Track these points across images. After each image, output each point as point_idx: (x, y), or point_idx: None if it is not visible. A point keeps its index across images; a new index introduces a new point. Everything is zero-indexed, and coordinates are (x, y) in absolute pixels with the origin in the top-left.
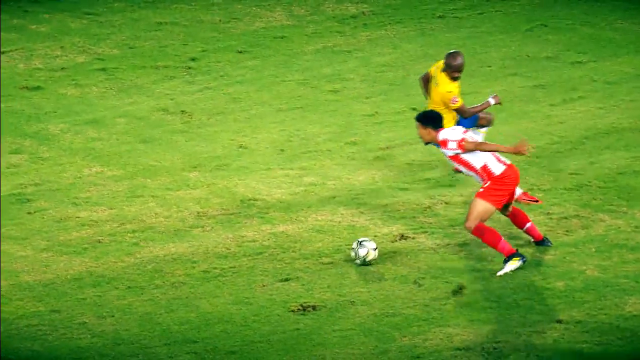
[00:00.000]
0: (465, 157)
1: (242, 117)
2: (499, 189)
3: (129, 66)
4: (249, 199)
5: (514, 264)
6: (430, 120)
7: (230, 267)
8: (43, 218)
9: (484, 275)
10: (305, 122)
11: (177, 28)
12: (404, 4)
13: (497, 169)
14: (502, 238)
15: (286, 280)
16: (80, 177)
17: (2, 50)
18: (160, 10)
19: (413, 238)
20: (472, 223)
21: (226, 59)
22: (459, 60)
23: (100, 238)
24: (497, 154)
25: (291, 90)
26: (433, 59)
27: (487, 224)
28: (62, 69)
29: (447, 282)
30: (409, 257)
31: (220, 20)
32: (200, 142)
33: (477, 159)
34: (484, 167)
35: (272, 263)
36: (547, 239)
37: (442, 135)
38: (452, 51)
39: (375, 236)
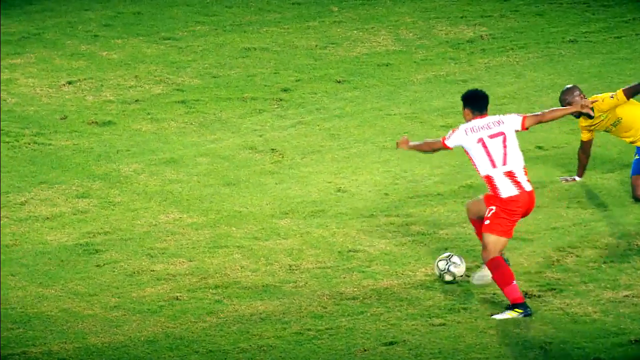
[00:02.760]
0: (474, 154)
1: (340, 156)
2: (504, 218)
3: (212, 98)
4: (348, 251)
5: (513, 314)
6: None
7: (327, 329)
8: (113, 271)
9: (622, 341)
10: (413, 162)
11: (267, 54)
12: (529, 27)
13: (506, 190)
14: (514, 282)
15: (391, 344)
16: (155, 225)
17: (69, 80)
18: (248, 35)
19: (538, 297)
20: (489, 254)
21: (323, 90)
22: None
23: (178, 294)
24: (519, 173)
25: (397, 125)
26: (561, 89)
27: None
28: (136, 101)
29: (579, 348)
30: (533, 318)
31: (316, 46)
32: (292, 184)
33: (482, 167)
34: (489, 180)
35: (374, 324)
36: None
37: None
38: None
39: (495, 294)
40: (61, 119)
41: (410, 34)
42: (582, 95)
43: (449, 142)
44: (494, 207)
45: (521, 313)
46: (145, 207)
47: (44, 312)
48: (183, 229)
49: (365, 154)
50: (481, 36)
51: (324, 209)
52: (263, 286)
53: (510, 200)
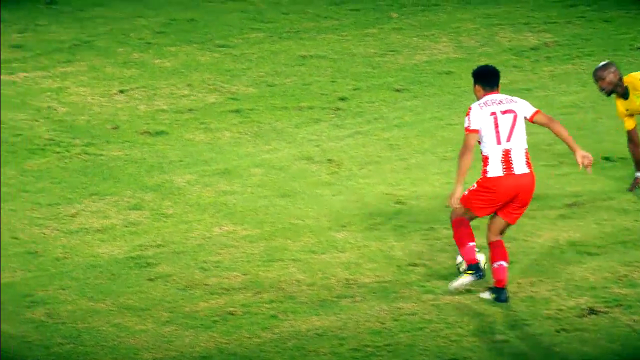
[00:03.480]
0: (484, 129)
1: (399, 167)
2: (482, 195)
3: (268, 107)
4: (407, 264)
5: (466, 276)
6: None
7: (385, 345)
8: (166, 285)
9: None
10: (475, 173)
11: (324, 62)
12: (596, 34)
13: (493, 170)
14: (473, 244)
15: None
16: (209, 238)
17: (121, 89)
18: (304, 42)
19: (606, 313)
20: (452, 215)
21: (381, 99)
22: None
23: (232, 309)
24: (517, 153)
25: (458, 135)
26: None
27: None
28: (189, 110)
29: None
30: (600, 335)
31: (375, 53)
32: (349, 196)
33: (486, 143)
34: (485, 159)
35: (434, 340)
36: (503, 292)
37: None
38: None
39: (559, 309)
40: (113, 128)
41: (472, 41)
42: (617, 73)
43: (473, 126)
44: (475, 184)
45: (473, 274)
46: (198, 219)
47: (94, 327)
48: (237, 241)
49: (425, 165)
50: (546, 43)
51: (382, 222)
52: (319, 301)
53: (492, 179)
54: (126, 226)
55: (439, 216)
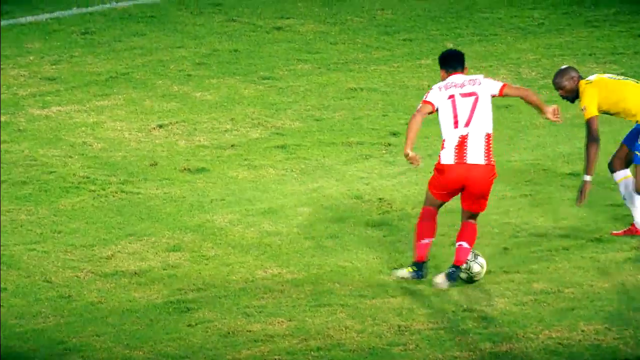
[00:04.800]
0: (441, 113)
1: (455, 207)
2: (436, 180)
3: (315, 143)
4: (464, 310)
5: (408, 271)
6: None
7: None
8: (207, 332)
9: None
10: (535, 214)
11: (374, 95)
12: None
13: (445, 157)
14: (428, 240)
15: None
16: (252, 281)
17: (159, 123)
18: (354, 74)
19: None
20: (424, 202)
21: (435, 134)
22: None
23: (277, 357)
24: (475, 139)
25: (518, 172)
26: None
27: None
28: (232, 146)
29: None
30: None
31: (428, 85)
32: (402, 237)
33: (444, 127)
34: (442, 144)
35: None
36: (455, 271)
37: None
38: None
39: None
40: (151, 165)
41: (533, 73)
42: (576, 78)
43: (429, 98)
44: (435, 171)
45: (413, 272)
46: (241, 261)
47: None
48: (282, 285)
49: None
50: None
51: (436, 264)
52: (369, 349)
53: (443, 165)
54: (164, 269)
55: (497, 259)
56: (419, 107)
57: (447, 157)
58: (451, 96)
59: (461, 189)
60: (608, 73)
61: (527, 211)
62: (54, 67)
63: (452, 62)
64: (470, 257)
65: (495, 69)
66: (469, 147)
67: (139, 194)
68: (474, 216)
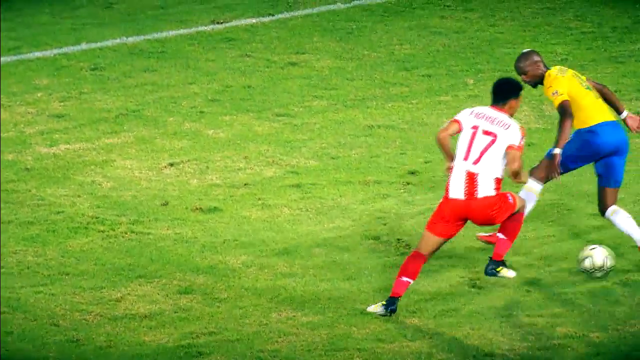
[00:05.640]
0: (461, 137)
1: (476, 247)
2: (439, 213)
3: (331, 181)
4: (484, 355)
5: (379, 306)
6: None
7: None
8: None
9: None
10: (559, 255)
11: (392, 133)
12: None
13: (452, 191)
14: (407, 281)
15: None
16: (266, 325)
17: (171, 161)
18: (371, 110)
19: None
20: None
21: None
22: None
23: None
24: (483, 179)
25: (541, 212)
26: None
27: None
28: (245, 185)
29: None
30: None
31: None
32: (421, 279)
33: (457, 153)
34: (450, 171)
35: None
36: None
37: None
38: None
39: None
40: (162, 205)
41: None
42: (539, 63)
43: (458, 117)
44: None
45: (384, 306)
46: (254, 304)
47: None
48: (297, 329)
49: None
50: (638, 112)
51: (456, 307)
52: None
53: (448, 200)
54: (176, 312)
55: (519, 300)
56: (446, 124)
57: (455, 192)
58: (475, 127)
59: (463, 221)
60: (579, 77)
61: (551, 252)
62: (62, 104)
63: (494, 93)
64: (601, 255)
65: None
66: (478, 183)
67: (149, 234)
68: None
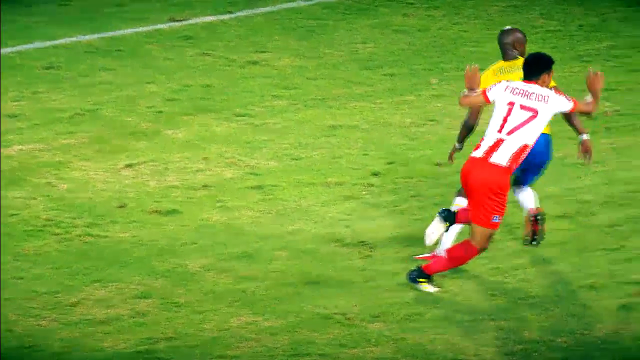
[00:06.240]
0: (496, 111)
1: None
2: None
3: (292, 183)
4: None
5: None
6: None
7: None
8: None
9: None
10: (523, 260)
11: (355, 133)
12: None
13: (475, 152)
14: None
15: None
16: (226, 330)
17: (128, 163)
18: (333, 111)
19: None
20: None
21: (420, 174)
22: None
23: None
24: (509, 145)
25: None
26: None
27: None
28: (204, 187)
29: None
30: None
31: (412, 123)
32: (384, 283)
33: (490, 127)
34: (480, 141)
35: None
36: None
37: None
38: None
39: None
40: (119, 207)
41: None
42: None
43: (490, 95)
44: None
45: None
46: (214, 308)
47: None
48: (257, 334)
49: None
50: (605, 112)
51: (421, 312)
52: None
53: (467, 160)
54: (133, 317)
55: (485, 306)
56: (474, 93)
57: (476, 152)
58: (511, 103)
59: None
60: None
61: (516, 257)
62: (15, 103)
63: (526, 69)
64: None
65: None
66: (500, 147)
67: (106, 237)
68: (473, 232)
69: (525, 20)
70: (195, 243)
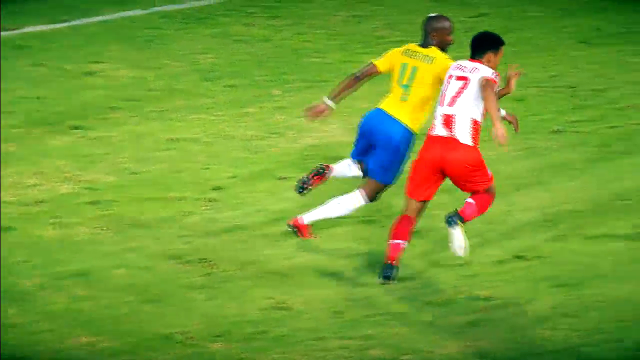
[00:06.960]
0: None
1: (284, 267)
2: (412, 168)
3: (130, 198)
4: None
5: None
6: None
7: None
8: None
9: None
10: (370, 275)
11: (195, 146)
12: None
13: (432, 130)
14: (398, 242)
15: None
16: (62, 351)
17: None
18: (173, 123)
19: None
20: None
21: (262, 188)
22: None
23: None
24: (460, 120)
25: (356, 230)
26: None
27: None
28: (38, 202)
29: None
30: None
31: (254, 136)
32: (226, 301)
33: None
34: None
35: None
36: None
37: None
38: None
39: None
40: None
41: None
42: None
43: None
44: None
45: (379, 275)
46: (50, 329)
47: None
48: (95, 355)
49: (314, 265)
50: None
51: (264, 330)
52: None
53: (430, 139)
54: None
55: (329, 324)
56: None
57: (433, 129)
58: (450, 76)
59: (438, 169)
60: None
61: (361, 274)
62: None
63: (472, 47)
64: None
65: (326, 118)
66: (456, 124)
67: None
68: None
69: (369, 31)
70: (29, 261)
